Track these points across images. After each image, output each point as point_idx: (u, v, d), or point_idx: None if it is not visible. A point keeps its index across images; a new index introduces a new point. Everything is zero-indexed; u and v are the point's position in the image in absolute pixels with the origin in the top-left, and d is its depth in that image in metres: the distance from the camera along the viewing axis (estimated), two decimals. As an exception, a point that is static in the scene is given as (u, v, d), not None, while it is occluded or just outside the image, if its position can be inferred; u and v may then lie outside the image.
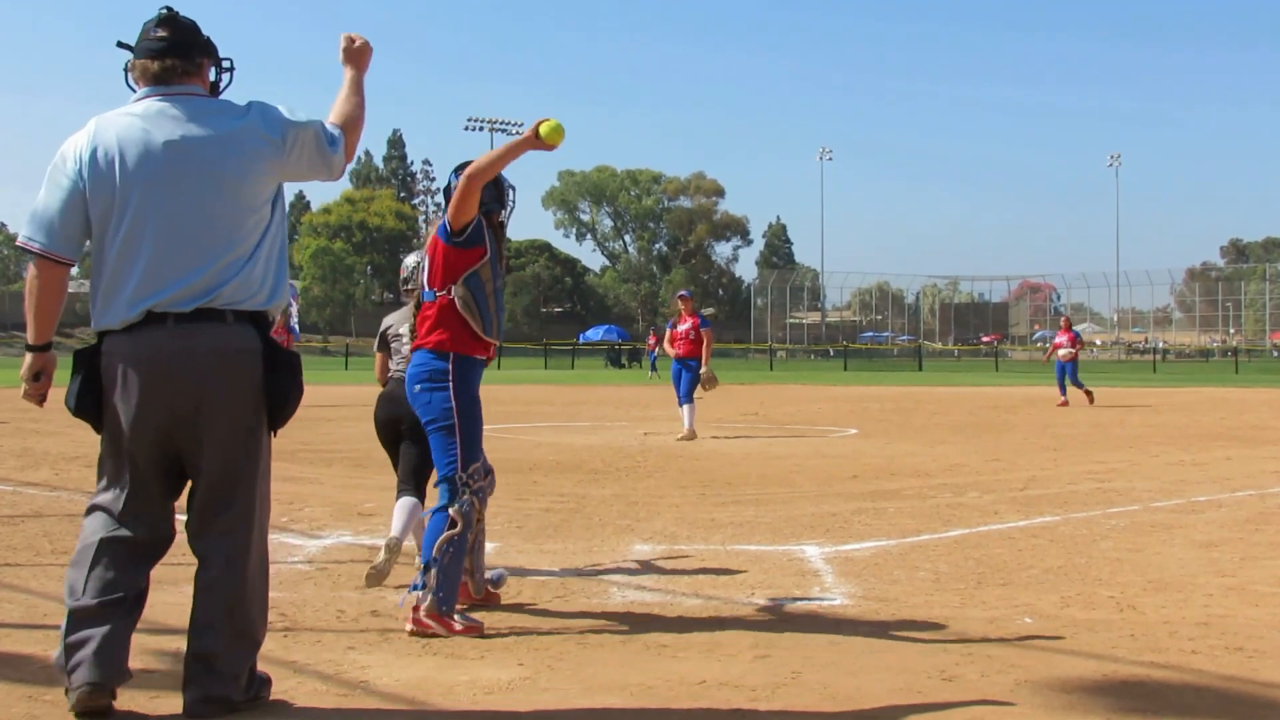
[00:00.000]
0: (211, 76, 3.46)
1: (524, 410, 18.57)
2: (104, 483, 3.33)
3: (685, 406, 13.63)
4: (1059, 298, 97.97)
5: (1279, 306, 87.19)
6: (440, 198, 5.58)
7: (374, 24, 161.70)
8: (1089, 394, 19.72)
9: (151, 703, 3.42)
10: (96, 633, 3.15)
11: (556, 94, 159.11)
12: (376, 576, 5.12)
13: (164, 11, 3.36)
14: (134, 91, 3.36)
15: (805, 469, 10.06)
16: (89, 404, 3.27)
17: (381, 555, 5.18)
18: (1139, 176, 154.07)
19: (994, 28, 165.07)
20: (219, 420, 3.24)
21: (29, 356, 3.33)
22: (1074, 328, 20.71)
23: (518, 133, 4.79)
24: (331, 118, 3.52)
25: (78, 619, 3.18)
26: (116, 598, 3.20)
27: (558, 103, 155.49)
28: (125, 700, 3.29)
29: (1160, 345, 77.42)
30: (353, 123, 3.54)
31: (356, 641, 4.25)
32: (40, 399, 3.35)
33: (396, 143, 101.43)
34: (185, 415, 3.22)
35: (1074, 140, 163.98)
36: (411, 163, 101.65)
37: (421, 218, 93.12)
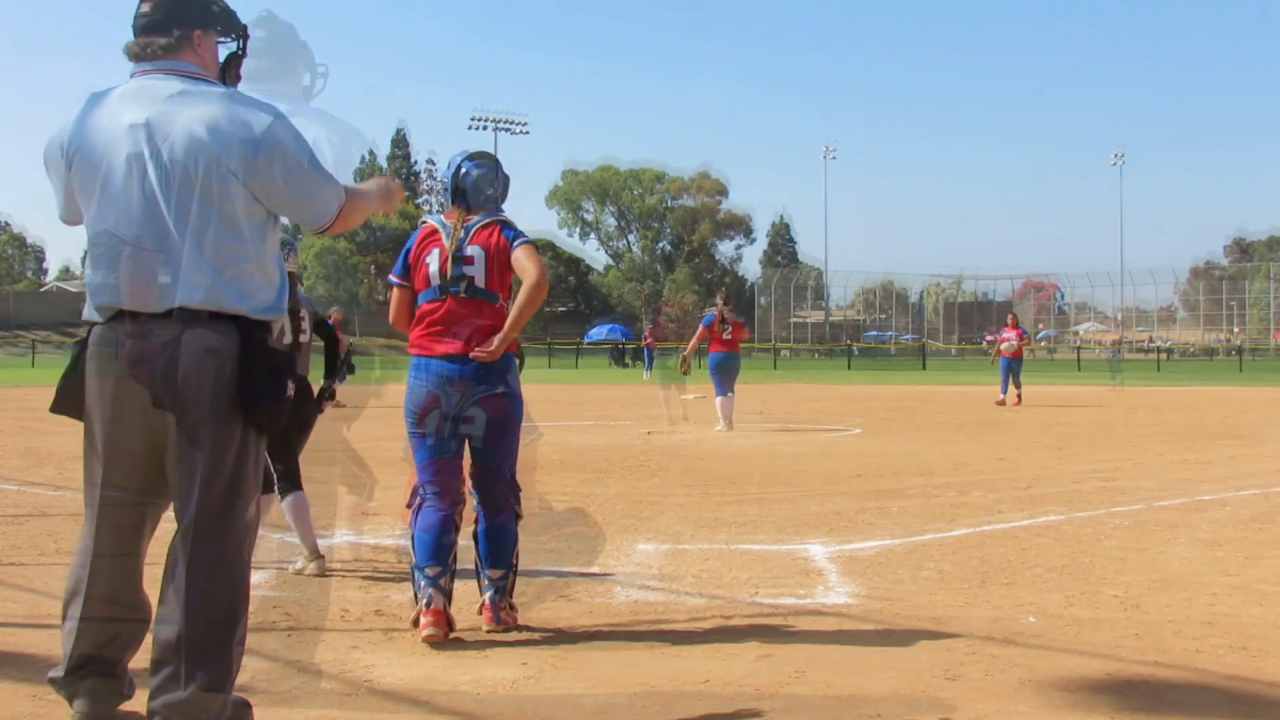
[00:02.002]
0: (227, 47, 3.19)
1: (527, 409, 18.53)
2: (87, 490, 3.11)
3: (719, 399, 13.81)
4: (1063, 295, 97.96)
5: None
6: (444, 193, 5.46)
7: (376, 23, 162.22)
8: (1019, 395, 19.45)
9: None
10: (96, 668, 3.06)
11: (558, 92, 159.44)
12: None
13: None
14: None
15: (809, 467, 10.06)
16: (70, 394, 3.08)
17: (312, 567, 5.42)
18: (1142, 174, 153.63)
19: (995, 25, 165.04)
20: (187, 424, 2.94)
21: None
22: (1020, 325, 20.62)
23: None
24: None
25: (76, 661, 3.05)
26: (110, 635, 3.08)
27: (560, 101, 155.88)
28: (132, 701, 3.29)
29: (1167, 343, 77.20)
30: (352, 208, 3.24)
31: (360, 640, 4.26)
32: None
33: (400, 141, 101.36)
34: (155, 415, 2.94)
35: (1077, 138, 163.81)
36: (415, 161, 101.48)
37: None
